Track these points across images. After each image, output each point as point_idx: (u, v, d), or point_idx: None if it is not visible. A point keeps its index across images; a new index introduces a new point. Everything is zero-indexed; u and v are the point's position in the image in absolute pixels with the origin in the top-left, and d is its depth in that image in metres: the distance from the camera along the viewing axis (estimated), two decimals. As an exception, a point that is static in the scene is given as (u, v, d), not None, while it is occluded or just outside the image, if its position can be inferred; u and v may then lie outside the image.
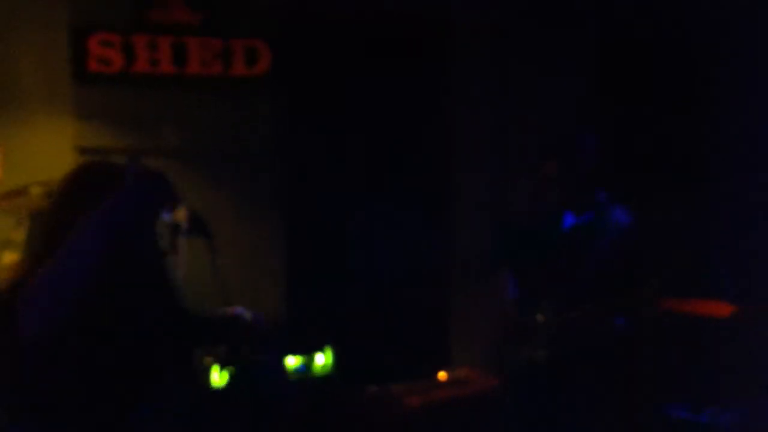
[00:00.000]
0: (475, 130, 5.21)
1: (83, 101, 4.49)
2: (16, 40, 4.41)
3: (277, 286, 4.74)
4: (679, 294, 3.34)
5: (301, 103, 4.88)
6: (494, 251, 4.00)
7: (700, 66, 4.68)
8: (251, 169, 4.79)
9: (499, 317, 3.73)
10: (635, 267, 3.50)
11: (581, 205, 3.59)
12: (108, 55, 4.47)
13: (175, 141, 4.59)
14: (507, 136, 5.16)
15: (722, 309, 3.30)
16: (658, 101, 4.76)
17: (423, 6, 5.07)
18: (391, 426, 3.96)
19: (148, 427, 2.28)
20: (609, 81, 4.90)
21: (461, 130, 5.22)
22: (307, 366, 3.58)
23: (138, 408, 2.27)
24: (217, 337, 3.22)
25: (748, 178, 4.42)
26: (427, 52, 5.14)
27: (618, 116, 4.75)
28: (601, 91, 4.92)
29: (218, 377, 3.33)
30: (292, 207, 4.88)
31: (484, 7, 5.15)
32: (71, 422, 2.21)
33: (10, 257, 3.82)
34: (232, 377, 3.22)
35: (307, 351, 3.61)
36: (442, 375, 4.39)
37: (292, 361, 3.56)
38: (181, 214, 3.89)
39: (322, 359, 3.63)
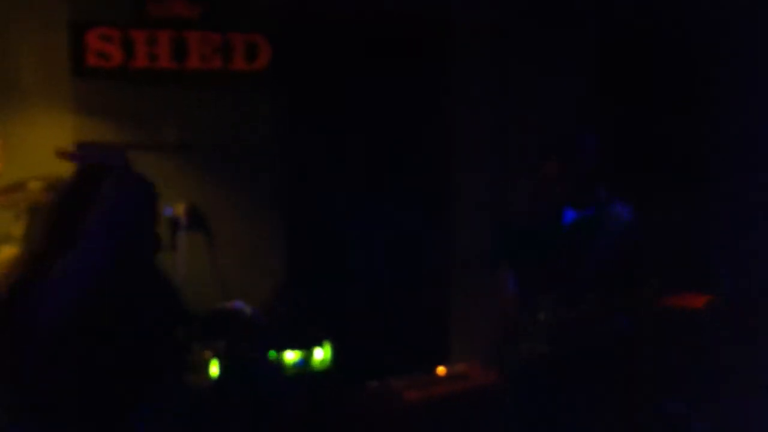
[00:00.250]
0: (475, 130, 5.20)
1: (82, 96, 4.50)
2: (15, 34, 4.42)
3: (277, 283, 4.73)
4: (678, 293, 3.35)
5: (301, 99, 4.88)
6: (494, 250, 3.99)
7: (700, 65, 4.68)
8: (251, 164, 4.79)
9: (498, 315, 3.73)
10: (635, 266, 3.50)
11: (581, 203, 3.59)
12: (107, 50, 4.47)
13: (174, 137, 4.59)
14: (507, 136, 5.15)
15: (697, 300, 3.30)
16: (658, 101, 4.76)
17: (423, 6, 5.07)
18: (390, 421, 3.95)
19: (148, 427, 2.28)
20: (609, 81, 4.90)
21: (461, 130, 5.22)
22: (306, 361, 3.57)
23: (138, 408, 2.27)
24: (217, 331, 3.21)
25: (748, 177, 4.42)
26: (427, 52, 5.14)
27: (618, 116, 4.75)
28: (601, 91, 4.92)
29: (217, 371, 3.31)
30: (291, 203, 4.88)
31: (484, 7, 5.15)
32: (71, 422, 2.21)
33: (9, 252, 3.80)
34: (227, 372, 3.21)
35: (306, 346, 3.60)
36: (441, 370, 4.38)
37: (290, 356, 3.55)
38: (180, 210, 3.88)
39: (320, 354, 3.61)
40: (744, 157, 4.50)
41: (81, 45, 4.44)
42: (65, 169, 4.14)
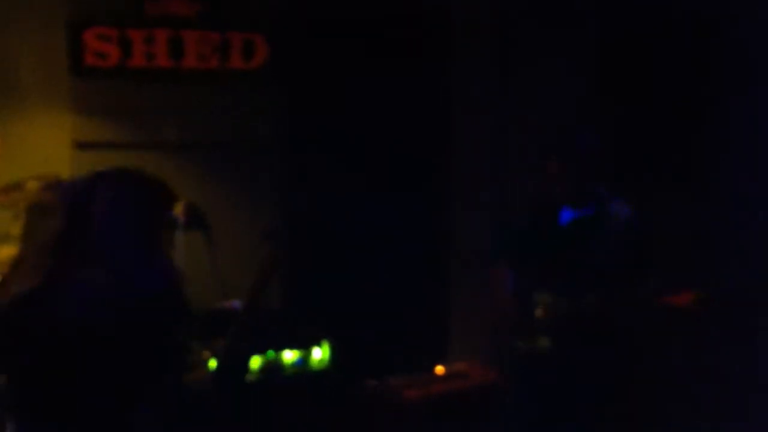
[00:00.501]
0: (475, 130, 5.20)
1: (80, 95, 4.50)
2: (13, 34, 4.42)
3: (276, 282, 4.72)
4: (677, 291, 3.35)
5: (300, 98, 4.89)
6: (494, 247, 4.00)
7: (699, 65, 4.67)
8: (250, 163, 4.79)
9: (498, 312, 3.73)
10: (635, 264, 3.50)
11: (582, 201, 3.59)
12: (105, 49, 4.46)
13: (173, 136, 4.59)
14: (507, 136, 5.15)
15: (684, 297, 3.31)
16: (657, 100, 4.75)
17: (423, 6, 5.07)
18: (390, 419, 3.95)
19: (148, 427, 2.27)
20: (609, 81, 4.90)
21: (461, 130, 5.22)
22: (305, 360, 3.57)
23: (138, 408, 2.26)
24: (215, 330, 3.20)
25: (748, 176, 4.41)
26: (427, 52, 5.14)
27: (618, 116, 4.74)
28: (601, 91, 4.92)
29: (216, 370, 3.31)
30: (291, 201, 4.87)
31: (484, 7, 5.15)
32: (71, 422, 2.20)
33: (7, 251, 3.80)
34: (226, 371, 3.20)
35: (305, 345, 3.59)
36: (440, 369, 4.39)
37: (289, 356, 3.54)
38: (178, 208, 3.87)
39: (319, 354, 3.61)
40: (744, 157, 4.49)
41: (79, 44, 4.43)
42: (64, 169, 4.17)
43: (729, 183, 4.51)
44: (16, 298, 2.18)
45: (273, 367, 3.50)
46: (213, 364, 3.10)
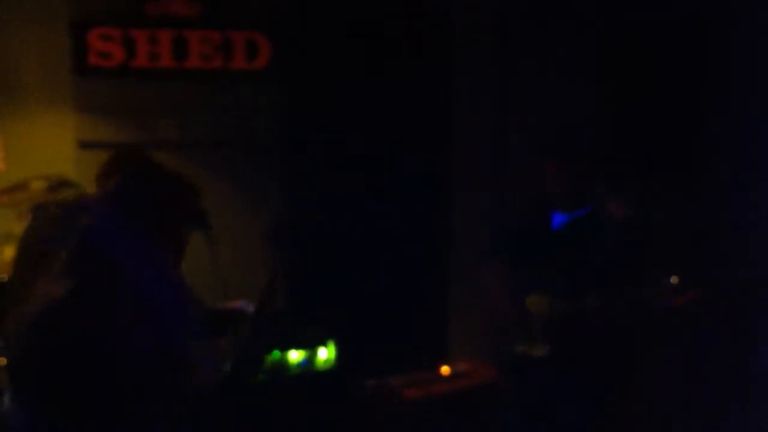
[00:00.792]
0: (475, 130, 5.21)
1: (84, 95, 4.51)
2: (16, 34, 4.43)
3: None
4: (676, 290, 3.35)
5: (301, 97, 4.89)
6: (494, 246, 4.00)
7: (699, 64, 4.68)
8: (252, 163, 4.80)
9: (497, 312, 3.73)
10: (634, 263, 3.50)
11: (580, 201, 3.60)
12: (108, 49, 4.48)
13: (175, 135, 4.60)
14: (507, 136, 5.16)
15: (684, 297, 3.31)
16: (657, 100, 4.76)
17: (423, 6, 5.08)
18: (391, 419, 3.95)
19: (149, 427, 2.28)
20: (609, 81, 4.90)
21: (461, 130, 5.22)
22: (310, 360, 3.56)
23: (138, 408, 2.27)
24: (216, 330, 3.20)
25: (748, 176, 4.43)
26: (428, 51, 5.14)
27: (618, 116, 4.75)
28: (601, 91, 4.93)
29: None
30: (291, 201, 4.87)
31: (484, 6, 5.16)
32: (72, 422, 2.21)
33: (11, 252, 3.80)
34: (229, 371, 3.20)
35: (310, 345, 3.59)
36: (445, 369, 4.38)
37: (294, 356, 3.54)
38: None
39: (324, 354, 3.61)
40: (744, 157, 4.50)
41: (82, 44, 4.45)
42: (67, 169, 4.18)
43: (729, 182, 4.52)
44: (48, 306, 2.19)
45: (278, 368, 3.49)
46: (223, 364, 3.11)
